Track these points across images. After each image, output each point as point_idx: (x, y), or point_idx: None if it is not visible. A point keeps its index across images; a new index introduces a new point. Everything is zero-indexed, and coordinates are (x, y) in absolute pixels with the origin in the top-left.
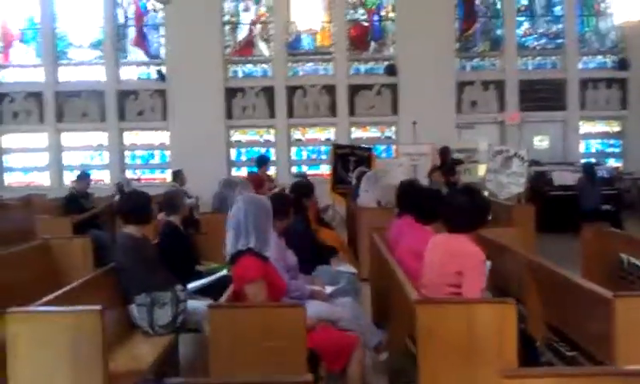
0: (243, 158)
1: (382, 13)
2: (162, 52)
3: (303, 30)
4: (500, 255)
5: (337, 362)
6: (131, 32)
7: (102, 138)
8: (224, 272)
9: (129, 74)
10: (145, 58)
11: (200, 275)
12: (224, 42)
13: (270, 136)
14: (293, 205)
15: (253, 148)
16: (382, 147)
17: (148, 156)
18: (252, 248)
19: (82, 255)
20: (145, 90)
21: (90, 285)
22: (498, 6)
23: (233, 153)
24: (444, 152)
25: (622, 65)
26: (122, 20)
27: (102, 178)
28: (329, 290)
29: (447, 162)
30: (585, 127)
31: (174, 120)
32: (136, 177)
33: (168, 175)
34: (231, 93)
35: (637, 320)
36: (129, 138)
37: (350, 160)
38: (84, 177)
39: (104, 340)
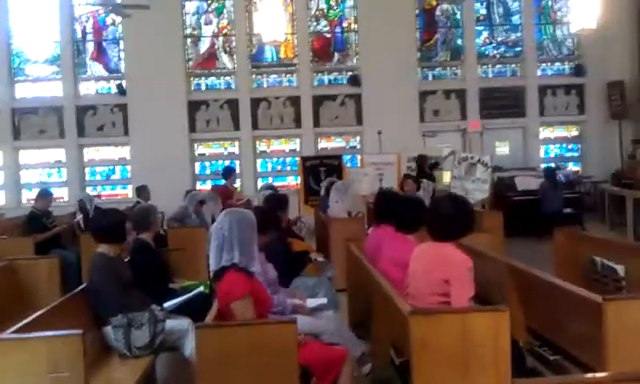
0: (208, 171)
1: (345, 24)
2: (122, 66)
3: (267, 41)
4: (478, 261)
5: (327, 377)
6: (90, 46)
7: (60, 154)
8: (201, 289)
9: (88, 89)
10: (104, 73)
11: (174, 293)
12: (186, 54)
13: (235, 148)
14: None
15: (217, 161)
16: (348, 157)
17: (108, 172)
18: (237, 263)
19: (49, 276)
20: (104, 105)
21: (62, 307)
22: (458, 16)
23: (197, 166)
24: (421, 160)
25: (579, 71)
26: (79, 35)
27: (62, 196)
28: (310, 303)
29: (425, 170)
30: (544, 133)
31: (135, 134)
32: (96, 193)
33: (130, 191)
34: (194, 106)
35: (626, 324)
36: (88, 153)
37: (320, 170)
38: (45, 195)
39: (86, 366)
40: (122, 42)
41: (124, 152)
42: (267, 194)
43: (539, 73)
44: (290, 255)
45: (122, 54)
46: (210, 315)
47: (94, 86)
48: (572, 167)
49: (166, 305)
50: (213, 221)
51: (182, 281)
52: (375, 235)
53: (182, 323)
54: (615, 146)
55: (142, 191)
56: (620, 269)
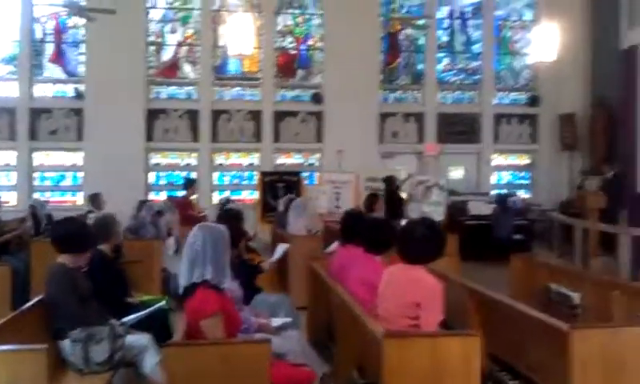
0: (162, 181)
1: (310, 42)
2: (81, 70)
3: (233, 54)
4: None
5: None
6: (49, 48)
7: (10, 157)
8: (162, 304)
9: (44, 91)
10: (62, 76)
11: (132, 307)
12: (147, 62)
13: (192, 160)
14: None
15: (173, 172)
16: (306, 174)
17: (59, 177)
18: (208, 280)
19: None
20: (59, 109)
21: (17, 320)
22: (421, 42)
23: (151, 176)
24: (389, 181)
25: (534, 102)
26: (39, 35)
27: (8, 200)
28: (275, 322)
29: (395, 190)
30: (497, 159)
31: (89, 140)
32: (44, 199)
33: (80, 198)
34: (153, 114)
35: (591, 352)
36: (39, 158)
37: (278, 187)
38: None
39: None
40: (82, 46)
41: (76, 158)
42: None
43: (495, 101)
44: (250, 272)
45: (82, 58)
46: (178, 333)
47: (51, 88)
48: (522, 194)
49: (125, 319)
50: (169, 234)
51: (140, 295)
52: (341, 255)
53: (141, 339)
54: (564, 177)
55: (94, 199)
56: (575, 296)
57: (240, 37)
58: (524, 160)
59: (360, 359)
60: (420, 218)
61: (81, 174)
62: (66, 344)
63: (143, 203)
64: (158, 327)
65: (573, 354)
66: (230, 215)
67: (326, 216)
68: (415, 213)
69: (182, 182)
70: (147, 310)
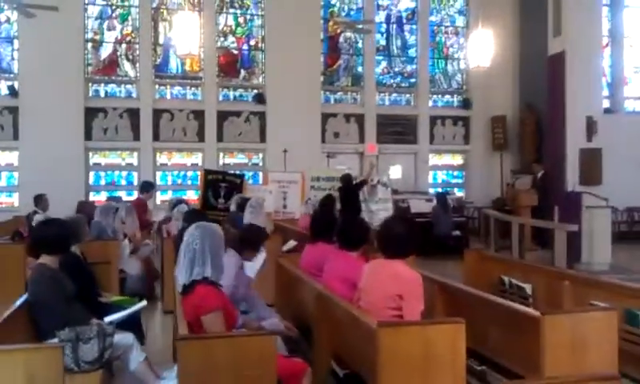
0: (103, 181)
1: (252, 42)
2: (15, 66)
3: (181, 54)
4: None
5: None
6: None
7: None
8: (143, 303)
9: None
10: None
11: (107, 307)
12: (85, 59)
13: (133, 159)
14: None
15: (113, 171)
16: (250, 174)
17: None
18: (207, 277)
19: None
20: None
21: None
22: (360, 45)
23: (91, 176)
24: (346, 179)
25: (466, 104)
26: None
27: None
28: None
29: (353, 189)
30: (433, 159)
31: (25, 139)
32: None
33: (15, 199)
34: (92, 112)
35: (560, 335)
36: None
37: (221, 186)
38: None
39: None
40: (16, 42)
41: (12, 157)
42: (183, 208)
43: (431, 104)
44: None
45: (16, 54)
46: (182, 328)
47: None
48: (457, 193)
49: (108, 319)
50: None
51: (110, 295)
52: (311, 252)
53: (126, 337)
54: (495, 175)
55: (39, 200)
56: (527, 287)
57: (186, 36)
58: (458, 160)
59: (337, 350)
60: (396, 214)
61: (16, 174)
62: (53, 343)
63: (82, 203)
64: (133, 326)
65: (545, 337)
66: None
67: (273, 215)
68: (366, 213)
69: (137, 183)
70: (130, 309)
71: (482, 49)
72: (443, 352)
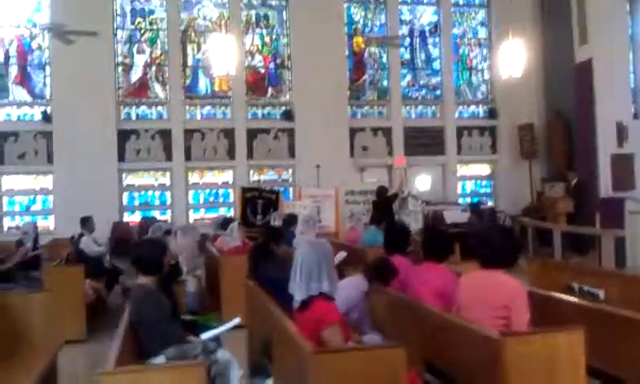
0: (137, 202)
1: (278, 61)
2: (47, 92)
3: (219, 75)
4: None
5: None
6: (13, 70)
7: None
8: (237, 320)
9: (10, 114)
10: (28, 98)
11: (189, 325)
12: (117, 83)
13: (166, 179)
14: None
15: (147, 192)
16: (280, 190)
17: (29, 202)
18: (324, 292)
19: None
20: (27, 132)
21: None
22: (384, 59)
23: (125, 197)
24: (382, 191)
25: (492, 114)
26: (2, 57)
27: None
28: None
29: (390, 200)
30: (461, 170)
31: (60, 163)
32: (15, 224)
33: (51, 222)
34: (124, 135)
35: (525, 359)
36: (7, 182)
37: (258, 203)
38: None
39: None
40: (47, 68)
41: (46, 181)
42: (232, 225)
43: (457, 115)
44: None
45: (48, 80)
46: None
47: (17, 111)
48: (488, 202)
49: (203, 336)
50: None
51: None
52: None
53: (225, 354)
54: (524, 183)
55: (86, 222)
56: (600, 293)
57: (222, 57)
58: (485, 170)
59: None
60: (495, 224)
61: (51, 198)
62: (159, 362)
63: (116, 224)
64: None
65: (505, 361)
66: (268, 232)
67: None
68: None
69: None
70: (226, 326)
71: (512, 59)
72: (564, 360)
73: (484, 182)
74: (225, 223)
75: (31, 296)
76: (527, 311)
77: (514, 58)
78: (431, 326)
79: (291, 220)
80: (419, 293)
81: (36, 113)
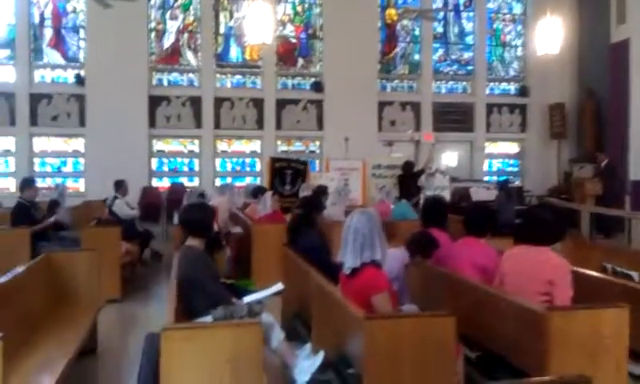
0: (165, 168)
1: (310, 31)
2: (81, 55)
3: (255, 43)
4: None
5: None
6: (48, 33)
7: (9, 143)
8: (280, 287)
9: (43, 76)
10: (62, 61)
11: (233, 288)
12: (149, 48)
13: (195, 146)
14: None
15: (176, 158)
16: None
17: (60, 164)
18: (375, 260)
19: (89, 270)
20: (60, 94)
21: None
22: (417, 32)
23: (154, 162)
24: (408, 166)
25: (523, 92)
26: (37, 19)
27: (8, 186)
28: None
29: (414, 175)
30: (489, 148)
31: (91, 127)
32: (46, 185)
33: (81, 185)
34: (155, 101)
35: (569, 334)
36: (39, 143)
37: (286, 173)
38: (31, 184)
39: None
40: (82, 31)
41: (78, 144)
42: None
43: (487, 91)
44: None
45: (82, 43)
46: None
47: (50, 74)
48: (515, 182)
49: (246, 299)
50: None
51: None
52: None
53: (268, 316)
54: (551, 164)
55: (120, 186)
56: (635, 274)
57: (259, 24)
58: (514, 148)
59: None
60: (541, 203)
61: (82, 161)
62: (208, 322)
63: (146, 189)
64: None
65: (551, 334)
66: (306, 202)
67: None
68: (423, 200)
69: (198, 170)
70: (269, 291)
71: (549, 36)
72: (609, 336)
73: (511, 161)
74: (256, 191)
75: (75, 254)
76: (570, 288)
77: (552, 36)
78: (471, 299)
79: (321, 191)
80: (459, 268)
81: (69, 76)
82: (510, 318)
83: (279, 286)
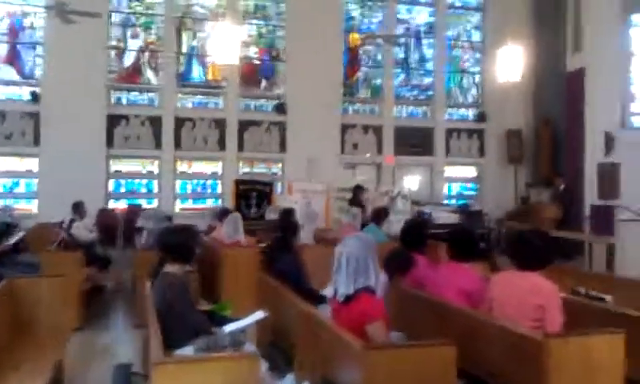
0: (123, 189)
1: (274, 53)
2: (37, 72)
3: (222, 64)
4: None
5: None
6: (2, 48)
7: None
8: (261, 315)
9: None
10: (16, 77)
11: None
12: (108, 66)
13: (154, 167)
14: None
15: (134, 179)
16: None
17: (12, 184)
18: (369, 286)
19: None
20: (14, 112)
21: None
22: (379, 58)
23: (111, 183)
24: (358, 190)
25: (481, 118)
26: None
27: None
28: None
29: (359, 200)
30: (448, 171)
31: (46, 145)
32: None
33: (34, 206)
34: (114, 120)
35: (565, 361)
36: None
37: (251, 196)
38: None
39: None
40: (39, 47)
41: (32, 164)
42: (234, 216)
43: (446, 116)
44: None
45: (38, 60)
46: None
47: (4, 90)
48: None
49: (227, 328)
50: None
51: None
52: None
53: (251, 346)
54: (509, 188)
55: (78, 208)
56: (608, 298)
57: (224, 45)
58: (472, 172)
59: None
60: (531, 229)
61: (36, 181)
62: (187, 352)
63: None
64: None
65: (548, 361)
66: (283, 225)
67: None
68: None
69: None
70: (251, 319)
71: (510, 64)
72: (604, 363)
73: (469, 185)
74: (222, 214)
75: (40, 280)
76: (561, 313)
77: (512, 63)
78: (459, 325)
79: (290, 214)
80: (444, 293)
81: (24, 93)
82: (502, 345)
83: (260, 314)
